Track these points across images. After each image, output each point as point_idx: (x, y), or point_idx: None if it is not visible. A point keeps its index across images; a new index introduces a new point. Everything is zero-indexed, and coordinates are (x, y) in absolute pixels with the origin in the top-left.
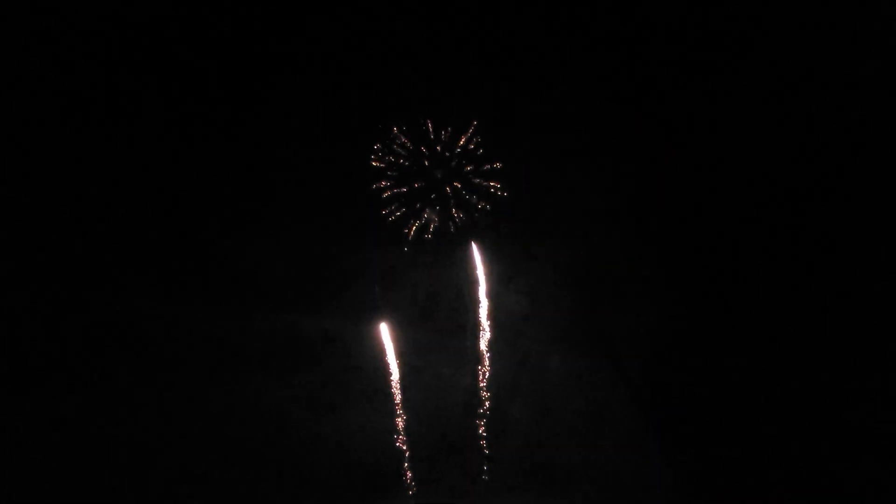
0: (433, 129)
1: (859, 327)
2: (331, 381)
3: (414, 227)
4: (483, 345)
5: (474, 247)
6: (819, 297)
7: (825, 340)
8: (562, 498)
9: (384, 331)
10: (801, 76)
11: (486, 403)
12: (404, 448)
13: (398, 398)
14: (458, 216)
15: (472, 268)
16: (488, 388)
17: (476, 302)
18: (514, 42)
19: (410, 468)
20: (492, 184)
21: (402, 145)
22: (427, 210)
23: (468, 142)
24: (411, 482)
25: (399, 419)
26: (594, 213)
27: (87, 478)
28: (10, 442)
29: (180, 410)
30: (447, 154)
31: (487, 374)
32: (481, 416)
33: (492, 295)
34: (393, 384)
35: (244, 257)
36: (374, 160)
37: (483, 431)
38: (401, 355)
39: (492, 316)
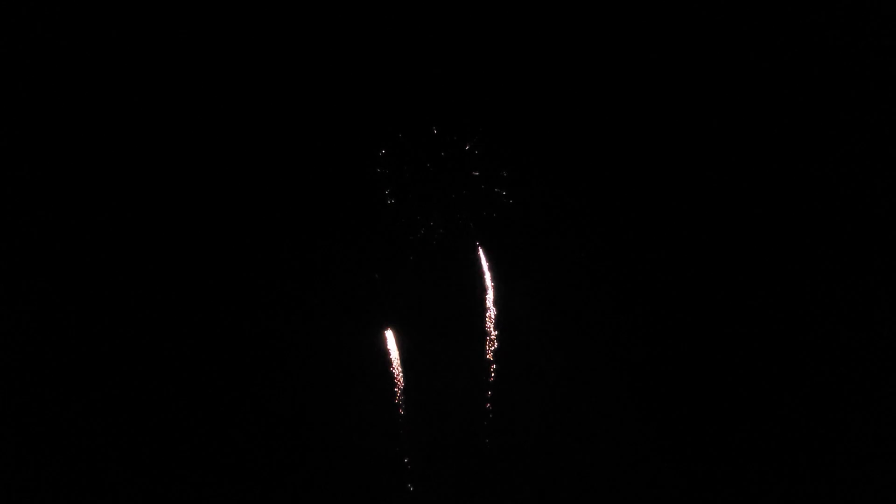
0: (439, 135)
1: (861, 327)
2: (334, 384)
3: (420, 234)
4: (489, 351)
5: (481, 253)
6: (820, 296)
7: (827, 340)
8: (564, 501)
9: (389, 336)
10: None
11: (490, 408)
12: (407, 452)
13: (402, 402)
14: (465, 223)
15: (480, 274)
16: (493, 393)
17: (483, 309)
18: (521, 46)
19: (412, 471)
20: (497, 191)
21: (408, 151)
22: (434, 217)
23: (474, 147)
24: (413, 486)
25: (402, 424)
26: (602, 219)
27: (85, 479)
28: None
29: (181, 411)
30: (453, 160)
31: (492, 379)
32: (485, 421)
33: (498, 302)
34: (397, 389)
35: (246, 260)
36: (380, 166)
37: (487, 436)
38: (405, 361)
39: (498, 323)
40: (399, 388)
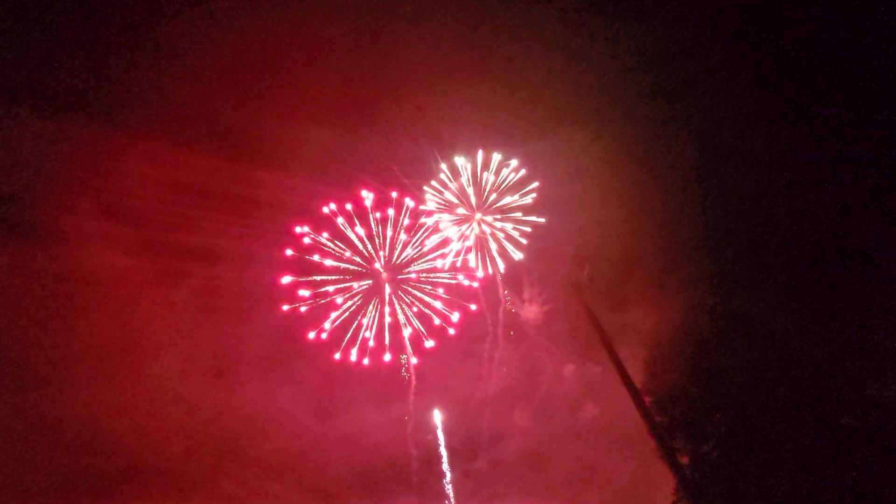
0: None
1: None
2: (338, 386)
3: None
4: (496, 356)
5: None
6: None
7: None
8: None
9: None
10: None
11: (495, 411)
12: (412, 452)
13: (410, 404)
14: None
15: (493, 287)
16: (498, 397)
17: (495, 320)
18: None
19: (417, 471)
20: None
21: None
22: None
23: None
24: (419, 485)
25: (409, 425)
26: (610, 232)
27: (82, 478)
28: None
29: (187, 409)
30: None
31: (499, 384)
32: (490, 423)
33: (509, 312)
34: (407, 391)
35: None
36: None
37: (490, 438)
38: (416, 365)
39: (508, 331)
40: (408, 386)
